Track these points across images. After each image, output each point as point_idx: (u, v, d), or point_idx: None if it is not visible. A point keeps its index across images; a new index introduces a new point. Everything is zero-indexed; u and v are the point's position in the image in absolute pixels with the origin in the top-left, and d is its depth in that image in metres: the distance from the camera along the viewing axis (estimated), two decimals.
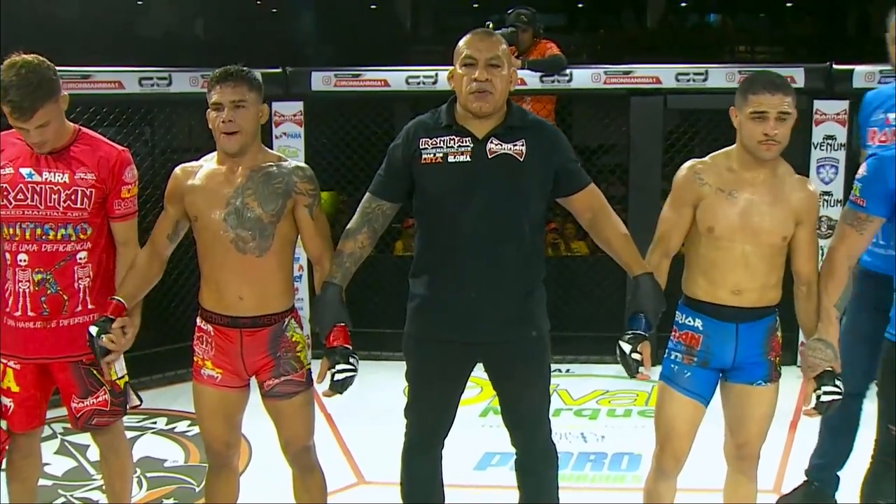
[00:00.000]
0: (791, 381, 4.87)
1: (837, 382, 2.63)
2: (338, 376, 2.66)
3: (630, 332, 2.67)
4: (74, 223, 2.80)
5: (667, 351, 2.84)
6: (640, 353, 2.64)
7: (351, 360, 2.68)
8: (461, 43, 2.68)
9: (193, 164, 2.85)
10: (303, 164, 2.87)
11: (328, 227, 2.88)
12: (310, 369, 2.87)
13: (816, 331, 2.70)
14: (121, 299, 2.79)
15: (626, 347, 2.64)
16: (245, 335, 2.78)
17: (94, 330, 2.74)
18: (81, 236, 2.82)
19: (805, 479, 3.55)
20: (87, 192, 2.80)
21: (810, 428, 4.21)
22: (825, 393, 2.61)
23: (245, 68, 2.74)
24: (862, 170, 2.69)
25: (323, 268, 2.80)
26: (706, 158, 2.80)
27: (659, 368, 2.83)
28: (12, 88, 2.64)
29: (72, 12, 9.87)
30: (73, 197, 2.79)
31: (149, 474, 3.88)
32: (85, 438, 3.56)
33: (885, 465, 2.67)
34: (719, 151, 2.81)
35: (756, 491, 2.90)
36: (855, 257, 2.71)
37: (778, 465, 3.89)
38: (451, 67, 2.70)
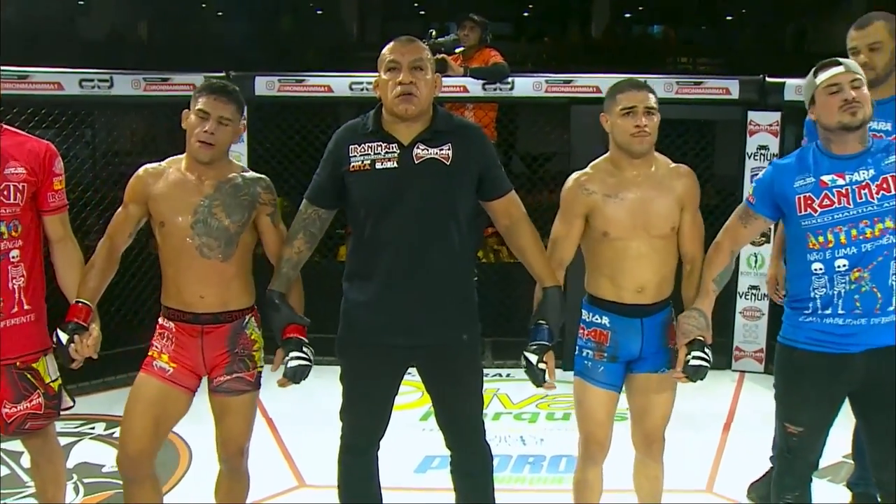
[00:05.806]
0: (725, 385, 5.04)
1: (707, 351, 2.78)
2: (291, 363, 2.70)
3: (535, 342, 2.74)
4: (7, 220, 2.75)
5: (577, 348, 2.95)
6: (546, 363, 2.72)
7: (304, 349, 2.72)
8: (385, 50, 2.71)
9: (158, 165, 2.86)
10: (262, 176, 2.93)
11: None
12: (261, 371, 2.90)
13: (694, 302, 2.84)
14: (87, 302, 2.77)
15: (533, 358, 2.72)
16: (206, 331, 2.81)
17: (63, 337, 2.71)
18: (13, 234, 2.77)
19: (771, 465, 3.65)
20: (20, 187, 2.76)
21: (743, 430, 4.36)
22: (694, 358, 2.75)
23: (235, 87, 2.84)
24: (762, 173, 2.87)
25: None
26: (588, 169, 2.92)
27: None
28: None
29: (10, 11, 9.70)
30: (4, 192, 2.74)
31: (86, 480, 3.83)
32: (18, 445, 3.50)
33: (785, 461, 2.82)
34: (598, 160, 2.93)
35: (662, 472, 3.03)
36: (739, 245, 2.89)
37: (711, 465, 3.99)
38: None
